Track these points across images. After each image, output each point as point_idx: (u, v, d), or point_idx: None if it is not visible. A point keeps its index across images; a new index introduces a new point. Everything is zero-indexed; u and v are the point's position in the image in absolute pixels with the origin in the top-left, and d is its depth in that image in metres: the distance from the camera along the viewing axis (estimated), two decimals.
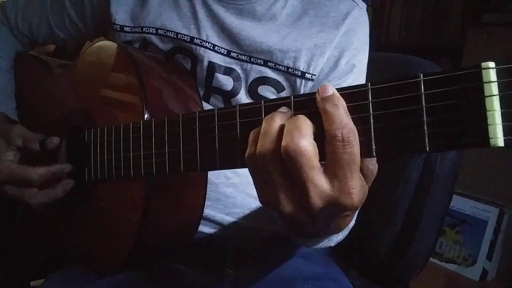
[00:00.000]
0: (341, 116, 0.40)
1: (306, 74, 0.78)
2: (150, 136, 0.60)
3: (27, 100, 0.92)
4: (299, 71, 0.78)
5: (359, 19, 0.81)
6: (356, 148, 0.40)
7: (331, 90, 0.42)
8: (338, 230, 0.49)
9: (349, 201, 0.41)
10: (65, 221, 0.81)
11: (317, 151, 0.42)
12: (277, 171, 0.43)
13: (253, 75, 0.79)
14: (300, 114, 0.43)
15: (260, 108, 0.47)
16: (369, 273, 1.01)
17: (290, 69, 0.78)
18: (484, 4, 1.94)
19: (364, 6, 0.83)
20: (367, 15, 0.84)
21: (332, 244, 0.70)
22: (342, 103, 0.41)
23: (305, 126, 0.42)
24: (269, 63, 0.78)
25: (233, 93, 0.79)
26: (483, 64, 0.34)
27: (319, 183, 0.41)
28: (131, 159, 0.63)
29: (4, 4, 0.96)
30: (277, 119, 0.44)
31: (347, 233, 0.72)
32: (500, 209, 1.78)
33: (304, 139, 0.41)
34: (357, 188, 0.41)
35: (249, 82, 0.79)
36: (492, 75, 0.33)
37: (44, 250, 0.86)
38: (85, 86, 0.80)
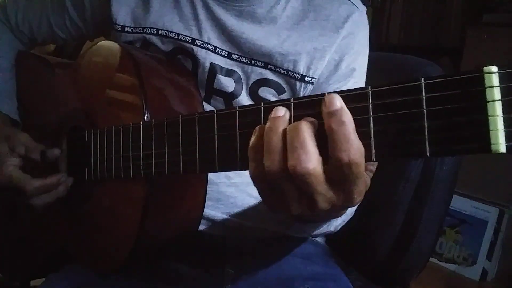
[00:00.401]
0: (348, 135, 0.39)
1: (306, 77, 0.78)
2: (149, 137, 0.59)
3: (29, 100, 0.92)
4: (298, 74, 0.78)
5: (359, 23, 0.81)
6: (362, 166, 0.40)
7: (339, 103, 0.40)
8: (338, 216, 0.56)
9: (352, 204, 0.44)
10: (65, 221, 0.81)
11: (322, 164, 0.42)
12: (286, 185, 0.44)
13: (253, 77, 0.79)
14: (300, 120, 0.42)
15: (260, 110, 0.47)
16: (369, 273, 1.01)
17: (290, 72, 0.78)
18: (484, 4, 1.94)
19: (364, 9, 0.83)
20: (367, 18, 0.84)
21: (332, 229, 0.75)
22: (349, 119, 0.40)
23: (309, 140, 0.41)
24: (269, 65, 0.78)
25: (234, 94, 0.79)
26: (486, 69, 0.33)
27: (327, 193, 0.43)
28: (131, 160, 0.63)
29: (4, 4, 0.96)
30: (278, 130, 0.43)
31: (347, 218, 0.76)
32: (500, 209, 1.78)
33: (311, 161, 0.41)
34: (360, 194, 0.43)
35: (250, 84, 0.79)
36: (495, 79, 0.33)
37: (44, 250, 0.86)
38: (86, 86, 0.80)
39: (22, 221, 0.91)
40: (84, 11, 0.89)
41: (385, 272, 0.97)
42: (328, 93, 0.42)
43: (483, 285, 1.75)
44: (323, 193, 0.43)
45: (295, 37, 0.78)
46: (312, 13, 0.79)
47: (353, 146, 0.39)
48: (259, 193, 0.48)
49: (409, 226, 0.92)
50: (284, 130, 0.43)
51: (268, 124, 0.44)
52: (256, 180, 0.46)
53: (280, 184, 0.44)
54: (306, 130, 0.41)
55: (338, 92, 0.42)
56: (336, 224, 0.75)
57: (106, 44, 0.77)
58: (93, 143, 0.71)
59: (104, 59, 0.77)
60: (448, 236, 1.87)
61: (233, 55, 0.79)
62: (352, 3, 0.81)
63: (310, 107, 0.43)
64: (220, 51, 0.79)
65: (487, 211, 1.80)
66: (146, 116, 0.65)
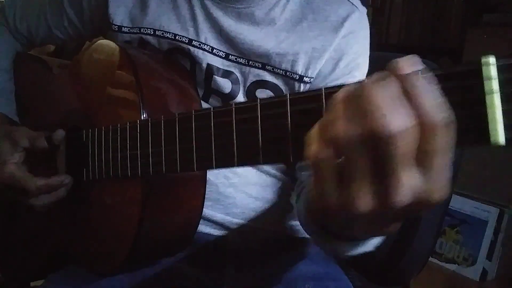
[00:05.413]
0: (433, 93, 0.33)
1: (304, 77, 0.78)
2: (146, 136, 0.59)
3: (27, 101, 0.92)
4: (297, 74, 0.78)
5: (359, 23, 0.80)
6: (451, 136, 0.33)
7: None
8: (395, 227, 0.39)
9: (440, 197, 0.34)
10: (64, 222, 0.80)
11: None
12: (364, 161, 0.34)
13: (251, 78, 0.79)
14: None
15: (256, 106, 0.46)
16: (369, 273, 1.01)
17: (288, 73, 0.78)
18: (484, 4, 1.94)
19: (364, 10, 0.82)
20: (367, 19, 0.83)
21: (369, 249, 0.57)
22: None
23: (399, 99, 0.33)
24: (267, 66, 0.78)
25: (232, 95, 0.79)
26: (483, 61, 0.32)
27: (412, 173, 0.33)
28: (128, 159, 0.63)
29: (2, 5, 0.96)
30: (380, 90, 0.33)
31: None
32: (500, 209, 1.78)
33: (407, 117, 0.32)
34: (446, 182, 0.34)
35: (247, 85, 0.79)
36: (493, 71, 0.32)
37: (44, 250, 0.86)
38: (83, 86, 0.80)
39: (22, 222, 0.91)
40: (82, 12, 0.89)
41: (385, 272, 0.97)
42: (324, 88, 0.41)
43: (483, 285, 1.75)
44: (408, 170, 0.33)
45: (294, 38, 0.78)
46: (311, 15, 0.79)
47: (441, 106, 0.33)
48: (316, 184, 0.37)
49: (409, 226, 0.91)
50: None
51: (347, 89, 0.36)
52: (315, 162, 0.36)
53: (353, 158, 0.34)
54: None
55: (338, 86, 0.40)
56: (375, 242, 0.56)
57: (104, 43, 0.77)
58: (90, 142, 0.71)
59: (102, 59, 0.77)
60: (448, 236, 1.87)
61: (230, 56, 0.78)
62: (352, 3, 0.80)
63: (307, 103, 0.42)
64: (218, 52, 0.78)
65: (487, 211, 1.80)
66: (144, 115, 0.65)
